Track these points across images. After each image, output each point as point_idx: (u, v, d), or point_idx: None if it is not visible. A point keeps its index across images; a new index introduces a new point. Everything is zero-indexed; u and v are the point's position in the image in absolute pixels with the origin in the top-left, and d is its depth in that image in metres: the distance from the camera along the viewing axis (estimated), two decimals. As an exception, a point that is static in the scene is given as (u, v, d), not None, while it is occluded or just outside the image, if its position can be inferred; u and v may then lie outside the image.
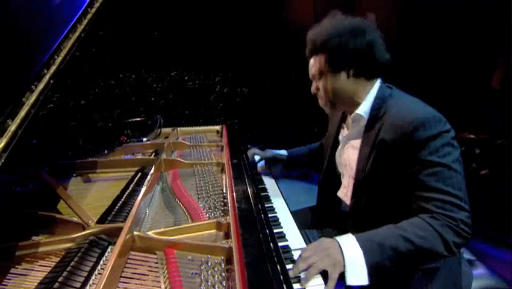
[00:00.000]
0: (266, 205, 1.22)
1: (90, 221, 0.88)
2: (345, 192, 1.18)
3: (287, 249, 0.95)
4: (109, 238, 0.87)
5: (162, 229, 0.91)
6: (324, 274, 0.82)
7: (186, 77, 4.32)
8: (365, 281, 0.82)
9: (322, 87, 1.09)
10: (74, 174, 1.36)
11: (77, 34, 0.89)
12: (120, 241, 0.80)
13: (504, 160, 2.19)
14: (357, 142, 1.08)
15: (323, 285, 0.79)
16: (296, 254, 0.91)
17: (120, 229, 0.85)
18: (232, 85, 4.30)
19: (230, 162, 1.26)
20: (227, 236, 0.92)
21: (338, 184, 1.23)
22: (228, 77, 4.31)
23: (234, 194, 1.01)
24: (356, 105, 1.07)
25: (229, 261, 0.81)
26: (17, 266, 0.79)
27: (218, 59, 4.20)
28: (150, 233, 0.88)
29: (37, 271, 0.79)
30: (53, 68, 0.76)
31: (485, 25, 2.40)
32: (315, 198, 1.40)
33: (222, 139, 1.71)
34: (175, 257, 0.83)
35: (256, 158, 1.57)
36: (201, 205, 1.09)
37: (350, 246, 0.85)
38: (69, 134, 1.70)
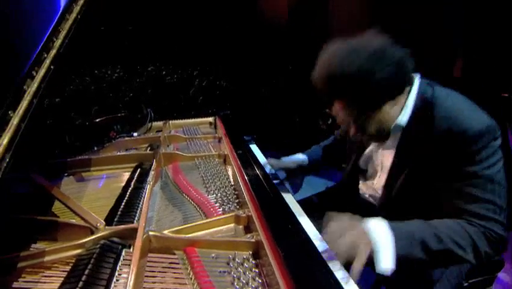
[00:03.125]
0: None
1: (98, 224, 0.77)
2: (372, 188, 1.09)
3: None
4: (123, 241, 0.76)
5: (178, 227, 0.82)
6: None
7: (164, 72, 4.13)
8: (391, 265, 0.73)
9: (362, 128, 0.91)
10: (65, 174, 1.22)
11: (74, 15, 0.76)
12: (139, 242, 0.71)
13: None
14: (393, 146, 0.95)
15: None
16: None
17: (134, 229, 0.76)
18: (210, 79, 4.17)
19: (235, 153, 1.18)
20: (248, 229, 0.85)
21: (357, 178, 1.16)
22: (206, 71, 4.17)
23: (249, 185, 0.94)
24: (395, 116, 0.91)
25: (256, 255, 0.75)
26: (19, 279, 0.68)
27: (196, 53, 4.05)
28: (166, 232, 0.79)
29: (43, 283, 0.68)
30: (53, 52, 0.64)
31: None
32: (312, 187, 1.34)
33: (218, 131, 1.62)
34: (198, 256, 0.74)
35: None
36: (212, 199, 1.00)
37: (379, 229, 0.77)
38: (52, 132, 1.52)
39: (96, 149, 1.45)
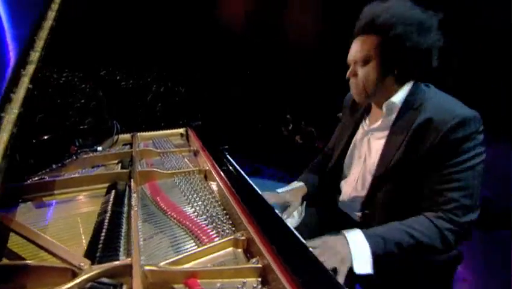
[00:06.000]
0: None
1: (81, 263, 0.65)
2: (353, 184, 1.12)
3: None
4: (113, 281, 0.65)
5: (174, 258, 0.73)
6: (334, 270, 0.80)
7: (118, 77, 3.83)
8: (370, 270, 0.84)
9: (363, 75, 0.96)
10: (20, 200, 1.03)
11: None
12: (137, 280, 0.61)
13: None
14: (383, 134, 1.01)
15: None
16: None
17: (127, 266, 0.66)
18: (167, 85, 3.98)
19: (219, 169, 1.11)
20: (248, 252, 0.79)
21: (340, 176, 1.19)
22: (163, 76, 3.97)
23: (243, 205, 0.88)
24: (390, 96, 0.99)
25: (265, 281, 0.70)
26: None
27: (151, 57, 3.82)
28: (162, 264, 0.70)
29: None
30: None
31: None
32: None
33: (191, 143, 1.53)
34: (202, 288, 0.67)
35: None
36: (202, 221, 0.92)
37: (357, 240, 0.86)
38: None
39: (54, 167, 1.27)
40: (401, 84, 1.00)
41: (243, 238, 0.80)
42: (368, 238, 0.86)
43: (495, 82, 2.10)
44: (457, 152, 0.86)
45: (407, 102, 0.97)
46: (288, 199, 1.17)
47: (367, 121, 1.14)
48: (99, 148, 1.46)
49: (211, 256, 0.79)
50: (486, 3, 2.03)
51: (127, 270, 0.65)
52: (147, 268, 0.67)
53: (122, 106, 3.68)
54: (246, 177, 1.11)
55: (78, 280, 0.62)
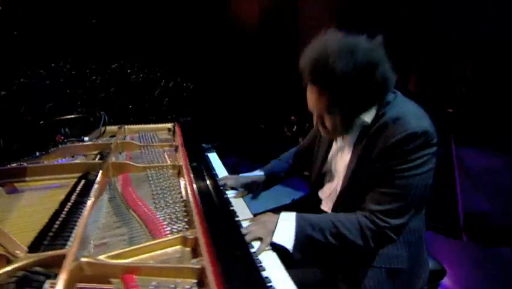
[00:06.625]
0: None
1: (17, 251, 0.65)
2: (328, 194, 1.12)
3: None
4: (48, 271, 0.65)
5: (117, 251, 0.72)
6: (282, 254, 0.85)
7: (129, 70, 3.90)
8: (289, 245, 0.89)
9: (328, 124, 0.93)
10: (-6, 184, 1.06)
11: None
12: (64, 272, 0.60)
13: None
14: (351, 148, 1.00)
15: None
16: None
17: (62, 256, 0.65)
18: (177, 80, 4.02)
19: (189, 165, 1.10)
20: (195, 253, 0.77)
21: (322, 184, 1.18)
22: (173, 72, 4.00)
23: (199, 202, 0.87)
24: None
25: (201, 283, 0.68)
26: None
27: (163, 53, 3.87)
28: (102, 257, 0.70)
29: None
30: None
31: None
32: (276, 199, 1.31)
33: (176, 138, 1.52)
34: (137, 285, 0.66)
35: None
36: (160, 216, 0.92)
37: (287, 218, 0.93)
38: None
39: (38, 154, 1.30)
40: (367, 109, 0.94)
41: (191, 236, 0.79)
42: (298, 219, 0.92)
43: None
44: (397, 161, 0.86)
45: (376, 116, 0.93)
46: (245, 184, 1.23)
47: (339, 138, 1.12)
48: (86, 138, 1.49)
49: (159, 252, 0.78)
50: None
51: (61, 260, 0.64)
52: (83, 259, 0.67)
53: (130, 99, 3.74)
54: (216, 176, 1.09)
55: (9, 268, 0.62)
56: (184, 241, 0.79)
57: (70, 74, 3.67)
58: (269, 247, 0.87)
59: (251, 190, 1.24)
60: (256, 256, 0.81)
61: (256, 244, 0.86)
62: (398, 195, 0.87)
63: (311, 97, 0.92)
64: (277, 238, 0.89)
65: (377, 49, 0.85)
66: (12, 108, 2.97)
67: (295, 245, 0.89)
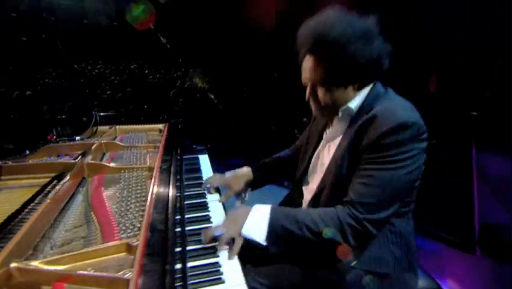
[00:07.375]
0: (202, 214, 1.05)
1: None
2: (313, 189, 1.06)
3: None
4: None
5: (53, 257, 0.70)
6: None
7: (146, 71, 3.99)
8: (261, 237, 0.86)
9: (321, 97, 0.93)
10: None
11: None
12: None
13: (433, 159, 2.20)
14: (338, 139, 0.96)
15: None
16: None
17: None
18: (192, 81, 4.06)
19: (159, 167, 1.07)
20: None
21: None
22: (189, 73, 4.05)
23: (151, 209, 0.83)
24: (348, 101, 0.94)
25: (130, 297, 0.63)
26: None
27: (180, 54, 3.92)
28: (36, 263, 0.68)
29: None
30: None
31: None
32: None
33: (162, 140, 1.50)
34: (64, 295, 0.63)
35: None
36: (117, 220, 0.89)
37: (260, 211, 0.89)
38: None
39: (27, 153, 1.33)
40: (359, 89, 0.94)
41: (135, 244, 0.75)
42: (272, 210, 0.89)
43: None
44: (384, 152, 0.82)
45: (362, 106, 0.92)
46: (230, 182, 1.19)
47: (328, 130, 1.10)
48: (77, 138, 1.51)
49: (102, 258, 0.75)
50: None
51: (-10, 264, 0.63)
52: (14, 265, 0.65)
53: (146, 99, 3.83)
54: (184, 183, 1.05)
55: None
56: (129, 249, 0.76)
57: (91, 74, 3.82)
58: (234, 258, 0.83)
59: (238, 188, 1.19)
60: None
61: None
62: (380, 188, 0.82)
63: (307, 69, 0.92)
64: (246, 231, 0.86)
65: (374, 24, 0.86)
66: (37, 107, 3.12)
67: (268, 237, 0.86)
